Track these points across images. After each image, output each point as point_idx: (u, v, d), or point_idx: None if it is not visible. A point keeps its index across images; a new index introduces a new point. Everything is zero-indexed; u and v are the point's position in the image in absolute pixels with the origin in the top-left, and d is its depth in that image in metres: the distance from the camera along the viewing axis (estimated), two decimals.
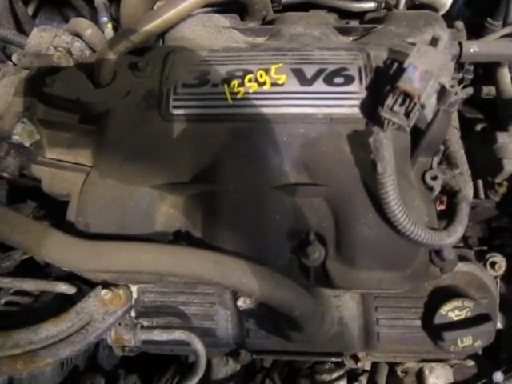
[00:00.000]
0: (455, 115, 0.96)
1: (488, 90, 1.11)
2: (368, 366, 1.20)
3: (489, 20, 1.27)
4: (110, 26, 1.14)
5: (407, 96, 0.69)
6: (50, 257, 0.73)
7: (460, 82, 1.03)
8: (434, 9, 1.18)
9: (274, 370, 1.13)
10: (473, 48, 0.90)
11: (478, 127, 1.07)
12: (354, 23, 1.01)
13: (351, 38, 0.91)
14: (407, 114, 0.70)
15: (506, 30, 1.06)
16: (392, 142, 0.71)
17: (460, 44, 0.90)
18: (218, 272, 0.72)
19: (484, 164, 0.98)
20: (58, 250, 0.72)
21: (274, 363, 1.16)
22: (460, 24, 1.00)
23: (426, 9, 1.11)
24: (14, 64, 0.93)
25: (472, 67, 1.02)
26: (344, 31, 0.91)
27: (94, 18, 1.21)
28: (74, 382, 0.86)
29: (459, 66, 1.00)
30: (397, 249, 0.77)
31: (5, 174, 0.90)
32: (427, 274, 0.81)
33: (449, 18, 1.19)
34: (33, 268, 0.94)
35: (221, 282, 0.73)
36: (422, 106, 0.70)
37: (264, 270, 0.74)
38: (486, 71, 1.10)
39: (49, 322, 0.80)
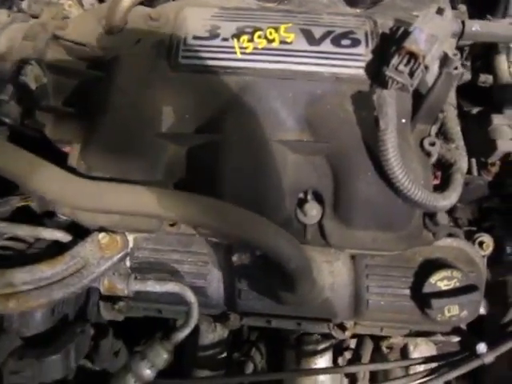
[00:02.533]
0: (453, 94, 0.99)
1: (485, 78, 1.14)
2: (353, 344, 1.21)
3: (488, 17, 1.31)
4: None
5: (412, 56, 0.71)
6: (42, 188, 0.71)
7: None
8: None
9: (261, 340, 1.14)
10: (474, 27, 0.93)
11: (474, 110, 1.10)
12: None
13: (358, 10, 0.94)
14: (411, 74, 0.72)
15: (507, 21, 1.10)
16: (395, 101, 0.73)
17: (463, 22, 0.93)
18: (217, 217, 0.73)
19: (478, 145, 1.00)
20: (52, 182, 0.71)
21: (261, 334, 1.17)
22: (463, 7, 1.03)
23: None
24: (24, 12, 0.94)
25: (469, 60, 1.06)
26: (351, 2, 0.94)
27: None
28: (63, 329, 0.86)
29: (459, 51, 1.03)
30: (393, 209, 0.79)
31: (7, 120, 0.89)
32: (420, 237, 0.83)
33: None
34: (29, 216, 0.93)
35: (219, 227, 0.74)
36: (426, 68, 0.72)
37: (264, 219, 0.75)
38: (484, 61, 1.13)
39: (43, 263, 0.80)
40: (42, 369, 0.77)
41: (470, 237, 1.02)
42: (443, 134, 0.92)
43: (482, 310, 1.04)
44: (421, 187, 0.75)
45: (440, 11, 0.78)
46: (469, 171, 1.02)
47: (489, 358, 0.89)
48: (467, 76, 1.13)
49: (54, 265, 0.80)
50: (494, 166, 1.01)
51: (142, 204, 0.73)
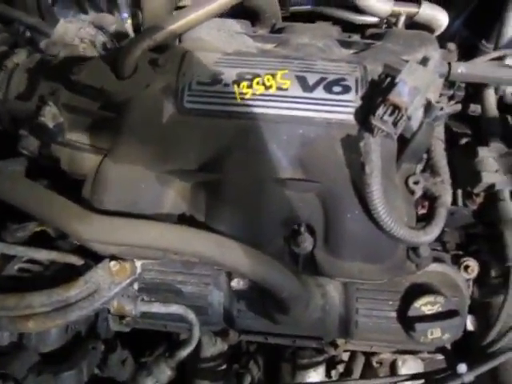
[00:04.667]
0: (441, 129, 1.05)
1: (475, 108, 1.19)
2: (346, 357, 1.29)
3: (483, 42, 1.36)
4: (129, 21, 1.22)
5: (396, 108, 0.78)
6: (70, 229, 0.81)
7: (451, 98, 1.12)
8: (431, 29, 1.28)
9: (258, 353, 1.21)
10: (460, 69, 0.99)
11: (463, 141, 1.16)
12: (356, 37, 1.10)
13: (351, 51, 1.00)
14: (395, 124, 0.79)
15: (495, 54, 1.15)
16: (380, 148, 0.80)
17: (449, 64, 0.99)
18: (217, 251, 0.80)
19: (465, 175, 1.06)
20: (78, 223, 0.80)
21: (259, 347, 1.24)
22: (452, 45, 1.09)
23: (424, 29, 1.21)
24: (41, 51, 1.01)
25: (463, 85, 1.11)
26: (345, 44, 1.00)
27: (110, 11, 1.28)
28: (76, 345, 0.94)
29: (450, 83, 1.09)
30: (378, 244, 0.86)
31: (25, 152, 0.98)
32: (404, 268, 0.90)
33: (446, 37, 1.29)
34: (45, 239, 1.01)
35: (219, 261, 0.81)
36: (409, 118, 0.79)
37: (259, 253, 0.82)
38: (474, 90, 1.19)
39: (60, 287, 0.88)
40: (58, 382, 0.86)
41: (456, 261, 1.09)
42: (430, 167, 0.99)
43: (470, 327, 1.11)
44: (403, 226, 0.82)
45: (424, 61, 0.85)
46: (455, 200, 1.09)
47: (469, 378, 0.96)
48: (457, 107, 1.19)
49: (69, 289, 0.87)
50: (478, 196, 1.07)
51: (150, 239, 0.81)
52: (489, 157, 1.05)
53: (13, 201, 0.84)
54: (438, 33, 1.27)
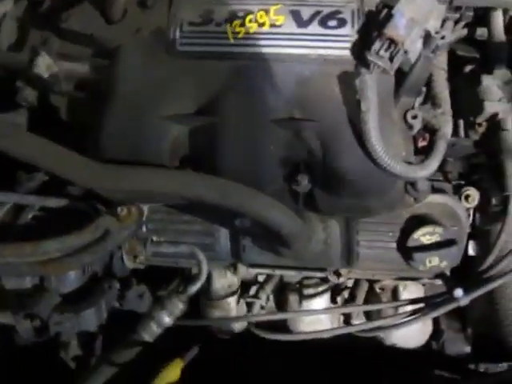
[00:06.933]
0: (444, 58, 1.01)
1: (482, 32, 1.14)
2: (350, 284, 1.35)
3: None
4: None
5: (392, 42, 0.76)
6: (76, 179, 0.84)
7: (457, 21, 1.07)
8: None
9: (267, 283, 1.28)
10: None
11: (467, 68, 1.12)
12: None
13: None
14: (391, 59, 0.77)
15: None
16: (376, 84, 0.79)
17: None
18: (218, 194, 0.83)
19: (467, 104, 1.05)
20: (84, 172, 0.83)
21: (267, 278, 1.31)
22: None
23: None
24: None
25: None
26: None
27: None
28: (94, 285, 1.01)
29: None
30: (376, 180, 0.87)
31: (24, 104, 0.98)
32: (402, 202, 0.92)
33: None
34: (54, 188, 1.05)
35: (221, 203, 0.84)
36: (406, 52, 0.77)
37: (258, 193, 0.85)
38: (483, 12, 1.13)
39: (72, 234, 0.92)
40: (79, 320, 0.94)
41: (457, 190, 1.10)
42: (431, 99, 0.97)
43: (472, 252, 1.15)
44: (400, 161, 0.82)
45: None
46: (457, 131, 1.08)
47: (464, 301, 1.01)
48: (463, 31, 1.14)
49: (80, 235, 0.92)
50: (481, 126, 1.06)
51: (154, 184, 0.84)
52: (493, 85, 1.02)
53: (18, 154, 0.87)
54: None
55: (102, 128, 0.90)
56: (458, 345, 1.28)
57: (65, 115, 0.96)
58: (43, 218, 1.01)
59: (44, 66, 0.89)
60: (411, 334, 1.24)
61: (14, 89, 0.96)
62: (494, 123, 1.02)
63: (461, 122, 1.08)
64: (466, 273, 1.12)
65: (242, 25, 0.85)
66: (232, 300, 1.23)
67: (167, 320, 0.96)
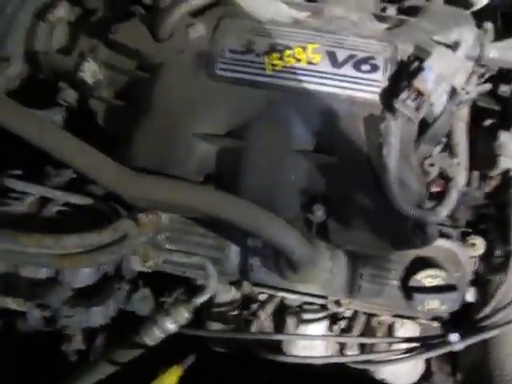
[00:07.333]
0: (465, 111, 1.06)
1: (505, 89, 1.19)
2: (348, 315, 1.37)
3: None
4: None
5: (419, 93, 0.81)
6: (103, 182, 0.88)
7: (481, 75, 1.12)
8: (470, 3, 1.24)
9: (268, 303, 1.31)
10: (492, 53, 0.99)
11: (487, 122, 1.16)
12: (392, 9, 1.09)
13: (384, 27, 1.01)
14: (417, 109, 0.81)
15: None
16: (400, 130, 0.83)
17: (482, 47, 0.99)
18: (237, 213, 0.87)
19: (483, 157, 1.09)
20: (112, 176, 0.87)
21: (269, 299, 1.34)
22: (488, 25, 1.07)
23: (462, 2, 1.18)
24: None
25: None
26: (380, 18, 1.00)
27: None
28: (104, 284, 1.05)
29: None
30: (388, 220, 0.91)
31: (64, 103, 1.04)
32: (410, 243, 0.96)
33: (487, 10, 1.25)
34: (79, 186, 1.10)
35: (238, 222, 0.88)
36: (431, 105, 0.81)
37: (276, 217, 0.89)
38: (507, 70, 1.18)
39: (92, 232, 0.96)
40: (87, 316, 0.97)
41: (464, 238, 1.14)
42: (449, 148, 1.02)
43: (471, 299, 1.18)
44: (413, 204, 0.86)
45: (455, 45, 0.86)
46: (470, 181, 1.12)
47: (459, 346, 1.04)
48: (487, 86, 1.18)
49: (100, 234, 0.96)
50: (493, 179, 1.10)
51: (178, 197, 0.88)
52: (509, 141, 1.06)
53: (50, 150, 0.91)
54: (477, 7, 1.24)
55: (134, 138, 0.95)
56: None
57: (101, 120, 1.01)
58: (66, 213, 1.05)
59: (89, 71, 0.95)
60: (402, 372, 1.26)
61: (56, 88, 1.01)
62: (507, 178, 1.06)
63: (475, 174, 1.12)
64: (463, 318, 1.15)
65: (280, 58, 0.90)
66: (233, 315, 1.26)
67: (171, 327, 0.99)
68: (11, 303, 1.03)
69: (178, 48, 0.93)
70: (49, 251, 0.94)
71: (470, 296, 1.16)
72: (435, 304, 1.04)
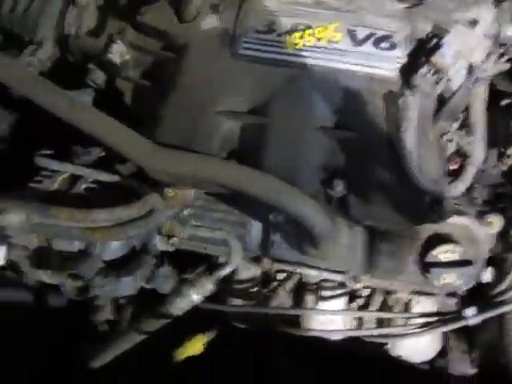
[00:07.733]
0: (484, 88, 1.07)
1: None
2: (366, 293, 1.40)
3: None
4: None
5: (438, 69, 0.83)
6: (133, 157, 0.92)
7: (501, 55, 1.13)
8: None
9: (287, 280, 1.34)
10: (510, 32, 1.00)
11: (505, 101, 1.18)
12: None
13: (404, 5, 1.02)
14: (435, 84, 0.84)
15: None
16: (418, 106, 0.86)
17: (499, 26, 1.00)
18: (260, 186, 0.90)
19: (501, 135, 1.10)
20: (141, 151, 0.91)
21: (288, 276, 1.38)
22: (506, 4, 1.08)
23: None
24: None
25: None
26: None
27: None
28: (131, 257, 1.10)
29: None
30: (406, 194, 0.94)
31: (93, 84, 1.08)
32: (427, 219, 0.98)
33: None
34: (107, 164, 1.14)
35: (260, 195, 0.91)
36: (449, 80, 0.84)
37: (298, 190, 0.92)
38: None
39: (120, 207, 1.01)
40: (118, 285, 1.03)
41: (480, 216, 1.16)
42: (467, 126, 1.04)
43: (489, 277, 1.19)
44: (430, 179, 0.89)
45: (473, 23, 0.88)
46: (487, 159, 1.13)
47: (474, 321, 1.06)
48: (505, 66, 1.19)
49: (128, 209, 1.01)
50: (510, 158, 1.11)
51: (202, 170, 0.91)
52: None
53: (82, 127, 0.95)
54: None
55: (159, 116, 0.99)
56: (462, 366, 1.32)
57: (128, 100, 1.05)
58: (95, 190, 1.10)
59: (118, 52, 0.99)
60: (419, 348, 1.29)
61: (85, 70, 1.06)
62: None
63: (492, 152, 1.14)
64: (479, 297, 1.17)
65: (301, 37, 0.93)
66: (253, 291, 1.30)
67: (195, 297, 1.04)
68: (44, 276, 1.08)
69: (203, 28, 0.96)
70: (80, 225, 0.99)
71: (487, 276, 1.18)
72: (451, 278, 1.06)
